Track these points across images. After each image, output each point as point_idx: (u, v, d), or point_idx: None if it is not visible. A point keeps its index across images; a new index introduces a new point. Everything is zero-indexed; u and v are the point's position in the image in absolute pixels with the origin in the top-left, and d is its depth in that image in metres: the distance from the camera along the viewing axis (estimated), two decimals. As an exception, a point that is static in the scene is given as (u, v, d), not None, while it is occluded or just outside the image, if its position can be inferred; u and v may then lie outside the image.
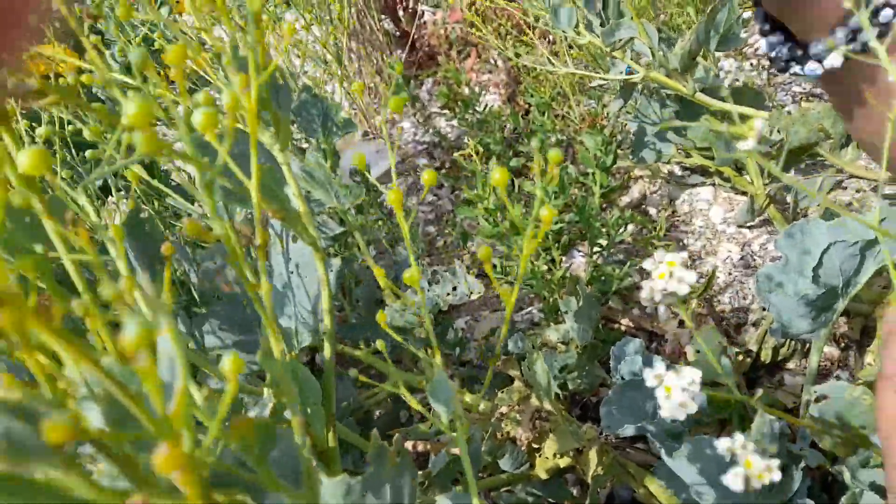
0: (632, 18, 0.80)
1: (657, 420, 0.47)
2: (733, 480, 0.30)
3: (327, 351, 0.35)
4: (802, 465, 0.43)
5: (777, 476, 0.29)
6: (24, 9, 0.14)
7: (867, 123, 0.39)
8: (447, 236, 1.20)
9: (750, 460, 0.30)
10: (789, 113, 0.88)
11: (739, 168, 1.03)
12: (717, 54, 1.00)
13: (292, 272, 0.39)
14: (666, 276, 0.33)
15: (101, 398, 0.17)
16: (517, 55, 1.04)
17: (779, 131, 0.78)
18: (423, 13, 1.98)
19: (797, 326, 0.53)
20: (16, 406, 0.14)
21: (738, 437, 0.31)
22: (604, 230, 0.98)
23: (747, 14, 0.94)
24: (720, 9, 0.84)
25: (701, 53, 0.87)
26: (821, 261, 0.51)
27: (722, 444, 0.31)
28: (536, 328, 1.01)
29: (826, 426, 0.41)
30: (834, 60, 0.36)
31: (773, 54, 0.40)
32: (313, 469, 0.22)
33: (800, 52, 0.38)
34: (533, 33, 1.07)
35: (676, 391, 0.32)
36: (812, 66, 0.37)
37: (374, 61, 1.73)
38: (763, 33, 0.40)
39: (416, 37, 1.87)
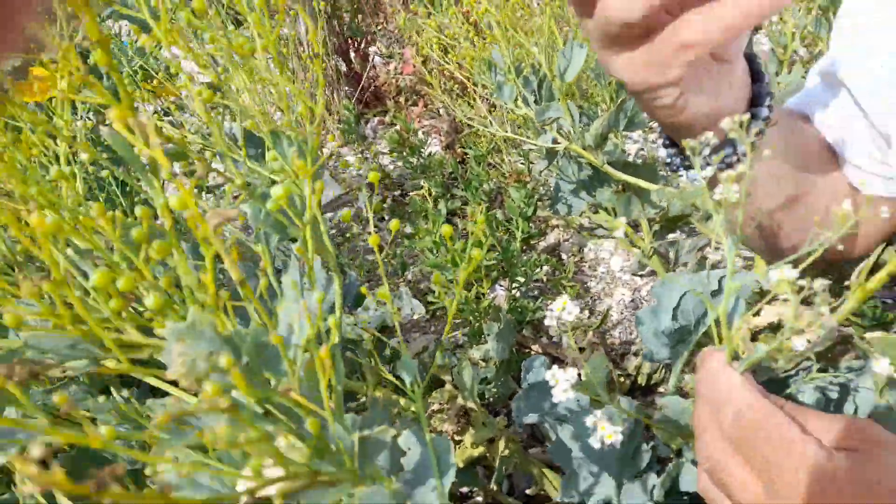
0: (559, 101, 0.98)
1: (553, 411, 0.63)
2: (594, 440, 0.46)
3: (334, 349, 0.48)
4: (650, 447, 0.61)
5: (619, 438, 0.46)
6: None
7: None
8: (387, 265, 1.34)
9: (604, 426, 0.46)
10: (677, 186, 1.09)
11: (635, 226, 1.24)
12: (626, 133, 1.22)
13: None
14: (561, 309, 0.49)
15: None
16: (462, 113, 1.21)
17: (662, 202, 0.99)
18: (373, 56, 2.14)
19: (660, 354, 0.71)
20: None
21: (599, 412, 0.47)
22: (523, 269, 1.15)
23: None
24: (628, 99, 1.05)
25: (611, 132, 1.07)
26: (679, 303, 0.70)
27: (589, 419, 0.47)
28: (461, 349, 1.16)
29: (665, 425, 0.58)
30: (707, 173, 0.53)
31: (668, 161, 0.55)
32: (340, 395, 0.36)
33: (688, 163, 0.54)
34: (475, 93, 1.24)
35: (563, 382, 0.48)
36: (693, 175, 0.54)
37: (325, 95, 1.87)
38: (664, 146, 0.54)
39: (365, 78, 2.02)
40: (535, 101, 1.01)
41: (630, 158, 1.58)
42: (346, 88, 2.02)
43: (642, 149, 1.72)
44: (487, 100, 1.61)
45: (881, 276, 0.65)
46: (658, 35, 0.37)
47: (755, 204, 0.54)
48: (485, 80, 1.01)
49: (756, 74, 0.47)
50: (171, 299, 0.27)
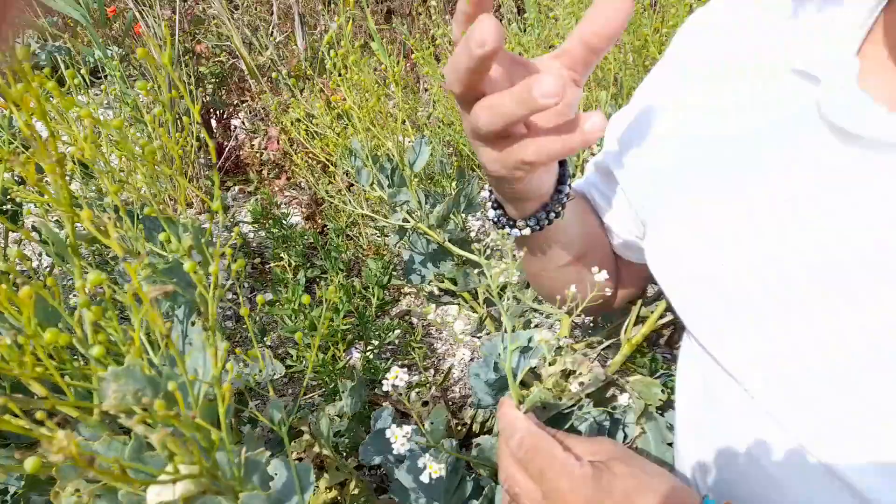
0: (409, 187, 1.15)
1: (393, 454, 0.75)
2: (424, 476, 0.59)
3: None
4: (472, 478, 0.74)
5: (443, 472, 0.59)
6: None
7: (536, 278, 0.72)
8: (244, 331, 1.39)
9: (431, 465, 0.59)
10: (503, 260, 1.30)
11: (475, 294, 1.42)
12: (466, 215, 1.42)
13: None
14: (395, 377, 0.62)
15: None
16: (324, 188, 1.34)
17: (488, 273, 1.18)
18: (235, 127, 2.22)
19: (486, 401, 0.87)
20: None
21: (428, 455, 0.61)
22: (377, 333, 1.27)
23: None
24: (468, 185, 1.25)
25: (452, 214, 1.26)
26: (499, 357, 0.86)
27: (420, 460, 0.60)
28: (317, 407, 1.24)
29: (481, 459, 0.73)
30: (524, 231, 0.62)
31: (495, 220, 0.64)
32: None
33: (512, 222, 0.61)
34: (336, 171, 1.38)
35: (401, 437, 0.61)
36: (514, 231, 0.61)
37: (183, 163, 1.90)
38: (492, 207, 0.61)
39: (228, 148, 2.09)
40: (389, 185, 1.16)
41: (472, 234, 1.79)
42: (204, 157, 2.07)
43: (483, 226, 1.95)
44: (347, 176, 1.75)
45: (644, 331, 0.86)
46: (510, 146, 0.46)
47: (550, 265, 0.67)
48: (346, 165, 1.15)
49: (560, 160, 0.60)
50: (107, 350, 0.36)
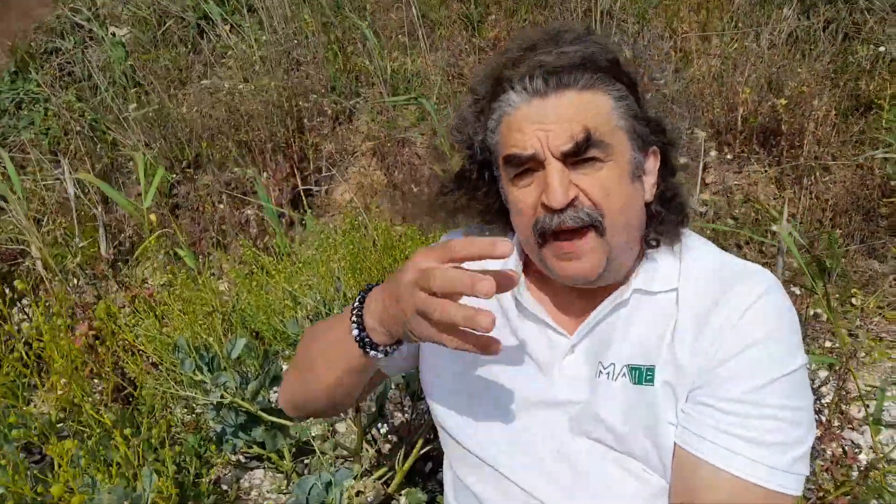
0: (227, 370, 1.47)
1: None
2: None
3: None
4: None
5: None
6: None
7: (307, 395, 0.88)
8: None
9: None
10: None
11: (281, 455, 1.71)
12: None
13: None
14: None
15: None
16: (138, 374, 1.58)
17: (296, 434, 1.51)
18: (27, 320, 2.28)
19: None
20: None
21: None
22: (197, 500, 1.48)
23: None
24: (272, 364, 1.60)
25: (262, 389, 1.58)
26: (308, 493, 1.19)
27: None
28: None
29: None
30: (380, 355, 0.75)
31: (358, 339, 0.74)
32: None
33: (374, 343, 0.74)
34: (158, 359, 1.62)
35: None
36: (374, 353, 0.75)
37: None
38: (357, 328, 0.75)
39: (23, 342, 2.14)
40: (209, 370, 1.47)
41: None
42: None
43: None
44: (158, 365, 1.96)
45: (409, 462, 1.34)
46: (433, 331, 0.64)
47: (351, 378, 0.83)
48: (172, 359, 1.44)
49: None
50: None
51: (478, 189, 0.84)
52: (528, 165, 0.72)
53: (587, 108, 0.71)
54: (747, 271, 0.76)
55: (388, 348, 0.74)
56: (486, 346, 0.63)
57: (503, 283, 0.66)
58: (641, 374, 0.74)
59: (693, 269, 0.77)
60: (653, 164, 0.78)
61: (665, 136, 0.79)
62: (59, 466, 0.94)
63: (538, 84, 0.71)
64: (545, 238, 0.73)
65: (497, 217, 0.86)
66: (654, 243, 0.78)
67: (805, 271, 1.71)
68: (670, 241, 0.79)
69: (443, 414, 0.86)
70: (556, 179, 0.70)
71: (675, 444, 0.72)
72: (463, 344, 0.63)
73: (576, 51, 0.71)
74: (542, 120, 0.71)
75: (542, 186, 0.71)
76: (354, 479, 1.31)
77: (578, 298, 0.80)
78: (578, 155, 0.70)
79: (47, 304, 2.14)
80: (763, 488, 0.67)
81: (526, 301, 0.81)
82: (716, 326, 0.71)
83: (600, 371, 0.76)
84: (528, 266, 0.86)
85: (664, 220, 0.78)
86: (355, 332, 0.74)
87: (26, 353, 1.75)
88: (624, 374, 0.75)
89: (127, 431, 0.97)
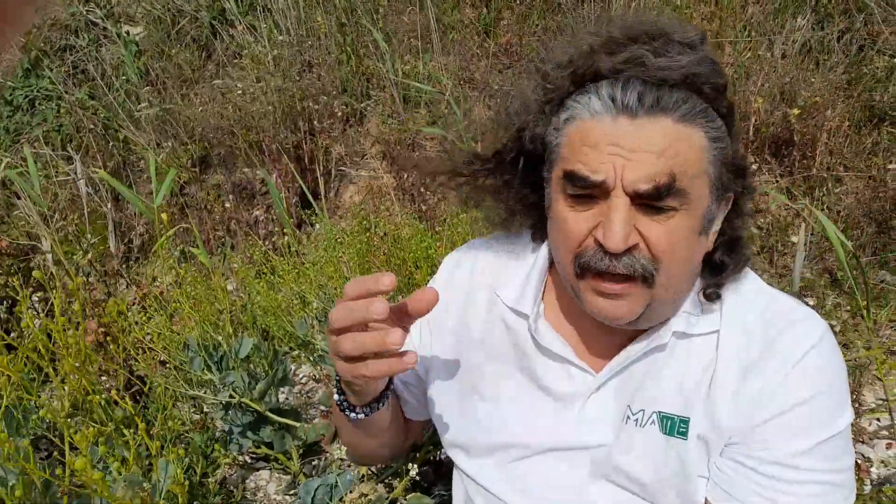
0: (235, 370, 1.47)
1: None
2: None
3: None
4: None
5: None
6: None
7: (354, 447, 0.90)
8: None
9: None
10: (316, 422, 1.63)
11: (289, 455, 1.71)
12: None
13: None
14: None
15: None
16: (150, 375, 1.58)
17: (301, 434, 1.51)
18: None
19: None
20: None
21: None
22: (205, 500, 1.48)
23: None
24: (281, 364, 1.60)
25: (270, 389, 1.58)
26: (314, 495, 1.19)
27: None
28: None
29: None
30: (360, 416, 0.74)
31: (338, 403, 0.74)
32: None
33: (352, 407, 0.74)
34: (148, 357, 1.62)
35: None
36: (353, 415, 0.74)
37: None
38: (337, 392, 0.73)
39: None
40: (218, 370, 1.47)
41: (290, 403, 2.08)
42: None
43: (287, 398, 2.25)
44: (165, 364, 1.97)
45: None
46: (357, 363, 0.61)
47: (368, 437, 0.83)
48: (181, 357, 1.45)
49: None
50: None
51: (510, 174, 0.74)
52: (592, 192, 0.62)
53: (680, 145, 0.60)
54: (796, 317, 0.68)
55: (365, 409, 0.72)
56: (405, 363, 0.61)
57: (416, 305, 0.62)
58: (674, 426, 0.68)
59: (737, 309, 0.69)
60: (723, 211, 0.68)
61: (745, 180, 0.68)
62: (77, 451, 0.94)
63: (632, 98, 0.59)
64: (585, 272, 0.65)
65: (526, 211, 0.76)
66: (713, 296, 0.69)
67: (845, 268, 1.62)
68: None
69: (454, 451, 0.82)
70: (621, 221, 0.60)
71: (706, 499, 0.68)
72: (378, 369, 0.61)
73: (685, 64, 0.59)
74: (623, 144, 0.59)
75: (600, 218, 0.62)
76: (360, 481, 1.31)
77: (609, 334, 0.72)
78: (652, 200, 0.60)
79: (60, 298, 2.15)
80: None
81: (543, 336, 0.74)
82: (759, 382, 0.65)
83: (628, 416, 0.70)
84: (551, 287, 0.79)
85: (725, 272, 0.69)
86: (336, 397, 0.73)
87: (37, 348, 1.76)
88: (653, 422, 0.69)
89: (141, 426, 0.97)
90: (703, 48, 0.62)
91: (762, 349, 0.66)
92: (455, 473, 0.88)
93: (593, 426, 0.72)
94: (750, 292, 0.71)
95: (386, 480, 1.43)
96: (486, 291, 0.81)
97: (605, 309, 0.65)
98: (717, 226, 0.68)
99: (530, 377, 0.76)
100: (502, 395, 0.77)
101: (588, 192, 0.62)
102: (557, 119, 0.66)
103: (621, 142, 0.59)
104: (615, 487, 0.71)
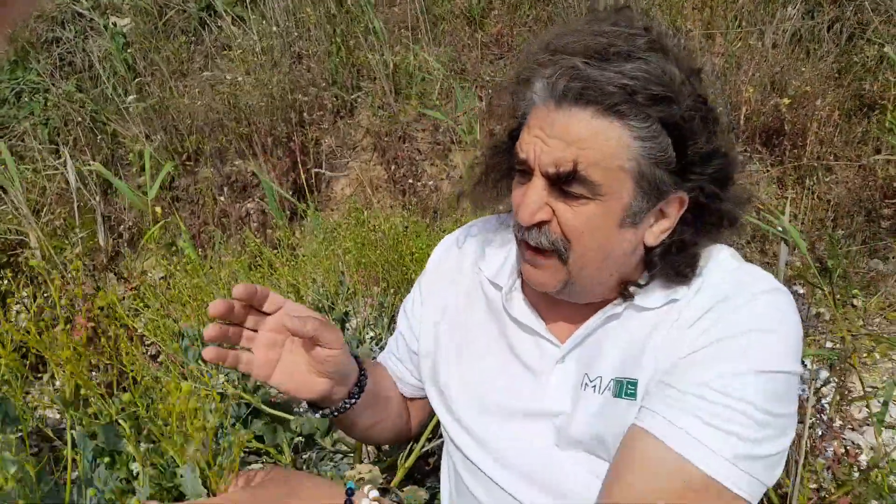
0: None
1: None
2: None
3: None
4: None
5: None
6: None
7: (348, 432, 0.89)
8: None
9: None
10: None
11: (279, 449, 1.70)
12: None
13: None
14: None
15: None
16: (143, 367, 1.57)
17: (296, 428, 1.50)
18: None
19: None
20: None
21: None
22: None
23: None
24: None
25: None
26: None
27: None
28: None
29: None
30: (327, 413, 0.80)
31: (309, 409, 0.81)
32: None
33: (321, 409, 0.80)
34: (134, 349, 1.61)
35: None
36: (318, 415, 0.82)
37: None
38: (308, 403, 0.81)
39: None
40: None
41: (282, 397, 2.06)
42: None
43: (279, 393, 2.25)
44: (154, 358, 1.96)
45: (412, 459, 1.33)
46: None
47: (363, 424, 0.88)
48: (174, 347, 1.44)
49: (357, 359, 0.79)
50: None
51: (505, 164, 0.78)
52: (524, 168, 0.69)
53: (593, 137, 0.63)
54: (755, 275, 0.70)
55: (341, 405, 0.78)
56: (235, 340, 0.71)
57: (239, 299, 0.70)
58: (622, 388, 0.70)
59: (697, 281, 0.71)
60: (675, 210, 0.69)
61: (691, 183, 0.67)
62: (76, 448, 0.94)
63: (559, 88, 0.64)
64: (519, 240, 0.73)
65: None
66: (627, 295, 0.72)
67: (811, 265, 1.68)
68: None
69: (447, 420, 0.86)
70: (531, 197, 0.67)
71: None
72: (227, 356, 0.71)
73: (622, 74, 0.61)
74: (545, 130, 0.65)
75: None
76: (351, 467, 1.31)
77: (573, 307, 0.77)
78: (560, 184, 0.66)
79: (45, 295, 2.13)
80: (700, 472, 0.60)
81: (514, 308, 0.79)
82: (706, 322, 0.66)
83: (586, 384, 0.73)
84: None
85: (656, 273, 0.71)
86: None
87: (23, 346, 1.74)
88: (609, 388, 0.72)
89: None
90: (648, 56, 0.63)
91: (714, 303, 0.68)
92: (443, 451, 0.92)
93: (555, 394, 0.76)
94: (715, 269, 0.72)
95: (382, 470, 1.43)
96: (472, 264, 0.88)
97: (527, 273, 0.73)
98: (667, 223, 0.70)
99: (508, 346, 0.80)
100: (486, 361, 0.82)
101: (523, 168, 0.69)
102: (521, 107, 0.72)
103: (545, 127, 0.66)
104: (578, 452, 0.74)
